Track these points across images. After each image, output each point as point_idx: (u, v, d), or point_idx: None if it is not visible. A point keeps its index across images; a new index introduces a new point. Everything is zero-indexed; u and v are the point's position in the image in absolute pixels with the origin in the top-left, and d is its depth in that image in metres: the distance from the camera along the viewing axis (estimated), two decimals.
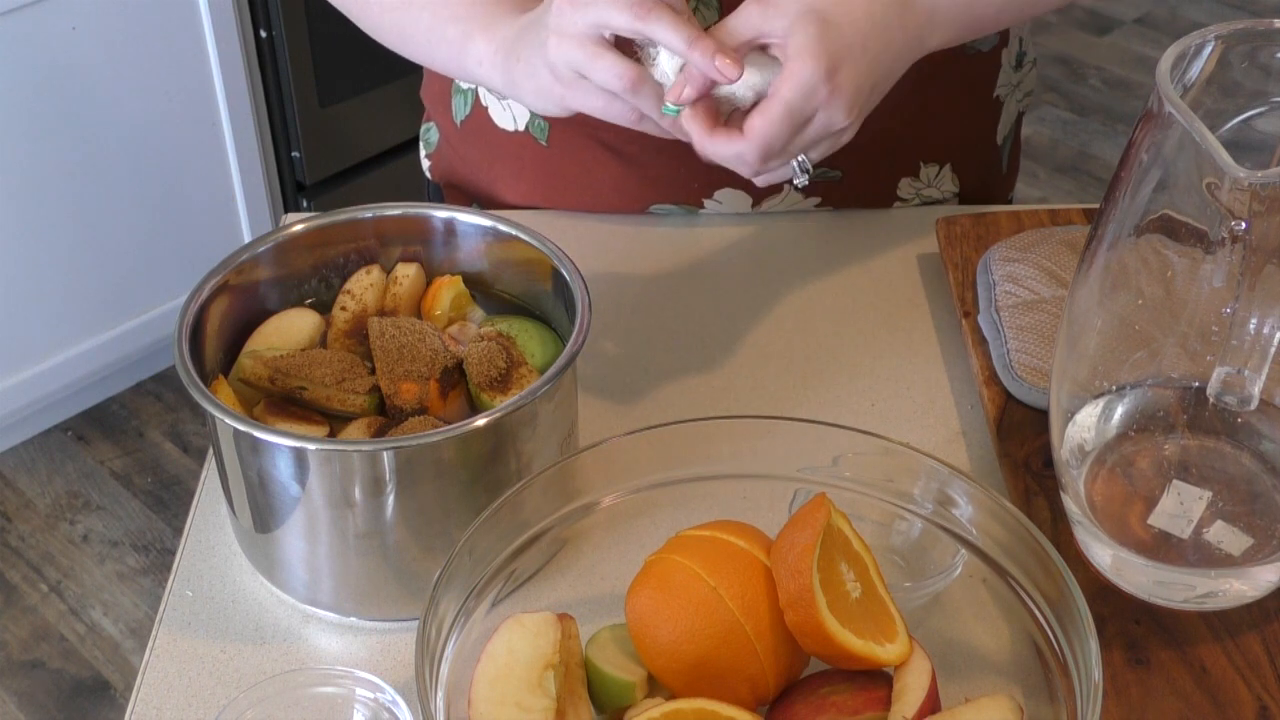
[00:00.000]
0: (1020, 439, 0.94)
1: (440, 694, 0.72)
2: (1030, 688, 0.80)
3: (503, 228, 0.94)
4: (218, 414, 0.81)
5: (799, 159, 0.90)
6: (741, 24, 0.87)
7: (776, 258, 1.15)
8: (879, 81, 0.90)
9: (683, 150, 1.13)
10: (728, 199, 1.17)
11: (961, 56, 1.12)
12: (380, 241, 0.96)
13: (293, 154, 2.44)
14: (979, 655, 0.83)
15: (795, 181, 0.91)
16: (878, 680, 0.76)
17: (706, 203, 1.18)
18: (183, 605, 0.89)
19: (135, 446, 2.43)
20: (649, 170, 1.15)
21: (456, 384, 0.89)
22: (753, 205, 1.18)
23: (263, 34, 2.32)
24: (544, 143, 1.17)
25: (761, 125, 0.86)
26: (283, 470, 0.82)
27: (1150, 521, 0.82)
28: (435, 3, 0.98)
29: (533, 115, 1.18)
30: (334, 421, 0.88)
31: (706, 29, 0.86)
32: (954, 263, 1.09)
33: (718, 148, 0.88)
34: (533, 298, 0.96)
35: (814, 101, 0.86)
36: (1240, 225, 0.71)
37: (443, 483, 0.82)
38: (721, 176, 1.16)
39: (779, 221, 1.19)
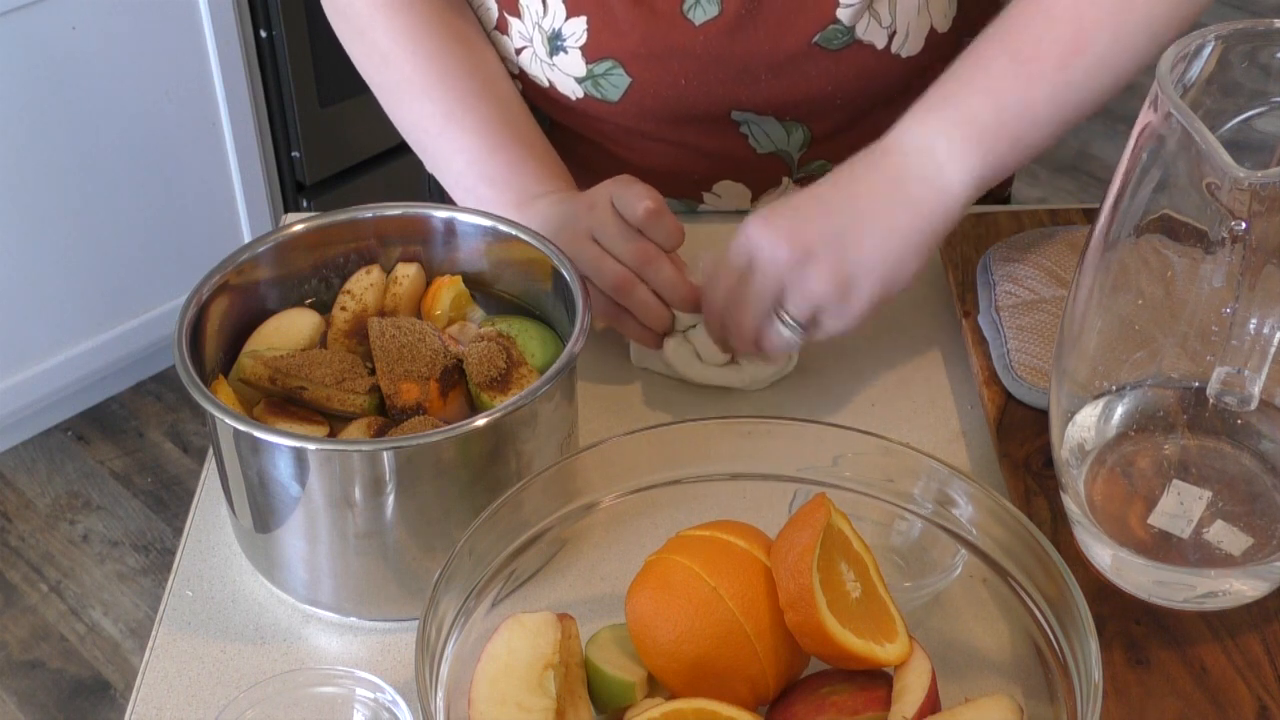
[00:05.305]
0: (1020, 439, 0.94)
1: (440, 694, 0.72)
2: (1030, 688, 0.80)
3: (503, 228, 0.94)
4: (218, 414, 0.81)
5: (783, 318, 0.94)
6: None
7: None
8: (842, 217, 0.93)
9: (681, 144, 1.14)
10: (727, 192, 1.18)
11: None
12: (380, 241, 0.96)
13: (293, 154, 2.44)
14: (979, 655, 0.83)
15: (786, 335, 0.95)
16: (878, 680, 0.76)
17: (706, 195, 1.18)
18: (183, 605, 0.89)
19: (135, 446, 2.43)
20: (648, 163, 1.15)
21: (456, 384, 0.89)
22: (752, 200, 1.18)
23: (263, 34, 2.31)
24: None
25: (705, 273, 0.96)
26: (283, 470, 0.82)
27: (1150, 521, 0.82)
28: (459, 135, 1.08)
29: (534, 110, 1.18)
30: (334, 421, 0.88)
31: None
32: (954, 263, 1.09)
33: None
34: (533, 298, 0.96)
35: (745, 248, 0.93)
36: (1240, 225, 0.71)
37: (443, 483, 0.82)
38: (720, 169, 1.16)
39: None
